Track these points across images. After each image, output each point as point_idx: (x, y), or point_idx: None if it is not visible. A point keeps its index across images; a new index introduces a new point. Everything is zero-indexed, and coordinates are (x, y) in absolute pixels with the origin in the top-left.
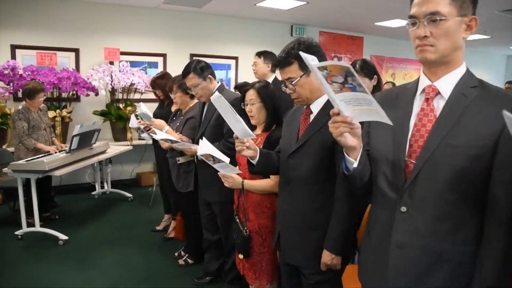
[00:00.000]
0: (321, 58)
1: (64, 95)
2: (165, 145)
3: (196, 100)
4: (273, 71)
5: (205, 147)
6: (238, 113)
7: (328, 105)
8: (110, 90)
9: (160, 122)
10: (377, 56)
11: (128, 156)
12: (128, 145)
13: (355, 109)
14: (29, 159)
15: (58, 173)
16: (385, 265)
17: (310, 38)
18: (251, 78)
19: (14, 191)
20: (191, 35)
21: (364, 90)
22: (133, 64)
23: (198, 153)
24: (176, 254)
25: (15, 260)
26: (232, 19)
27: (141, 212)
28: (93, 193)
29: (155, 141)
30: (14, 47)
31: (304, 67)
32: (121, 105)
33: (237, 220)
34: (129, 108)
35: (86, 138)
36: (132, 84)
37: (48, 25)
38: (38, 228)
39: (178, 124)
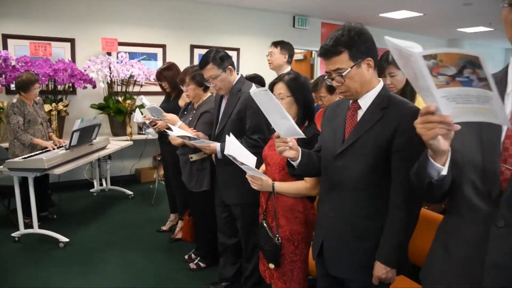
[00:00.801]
0: (374, 47)
1: (59, 87)
2: (176, 141)
3: (209, 93)
4: (289, 62)
5: (233, 146)
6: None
7: (379, 100)
8: (108, 82)
9: (172, 116)
10: (380, 49)
11: (127, 151)
12: (128, 140)
13: (456, 108)
14: (26, 156)
15: (58, 171)
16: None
17: (360, 24)
18: (253, 70)
19: (9, 189)
20: (191, 26)
21: (488, 85)
22: (131, 55)
23: (226, 152)
24: (186, 257)
25: (12, 264)
26: (233, 9)
27: (143, 211)
28: (91, 190)
29: (160, 137)
30: (5, 37)
31: (355, 57)
32: (120, 98)
33: (265, 225)
34: (128, 101)
35: (86, 134)
36: (131, 77)
37: (42, 14)
38: (36, 229)
39: (190, 118)
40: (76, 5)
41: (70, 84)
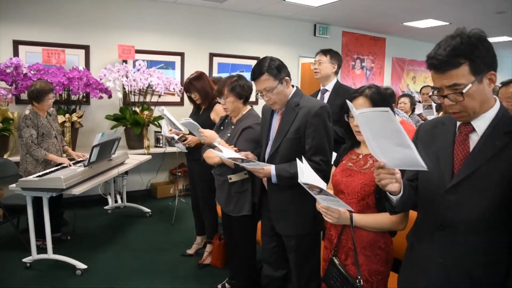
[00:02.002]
0: (495, 57)
1: (73, 97)
2: (213, 160)
3: (248, 107)
4: (336, 73)
5: (307, 172)
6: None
7: (500, 122)
8: (126, 92)
9: (210, 133)
10: (398, 58)
11: (142, 165)
12: (145, 154)
13: None
14: (40, 174)
15: (76, 191)
16: None
17: (477, 28)
18: None
19: (17, 207)
20: (210, 33)
21: None
22: (148, 64)
23: (302, 181)
24: (219, 286)
25: None
26: (254, 16)
27: (164, 231)
28: (105, 207)
29: (189, 153)
30: (17, 43)
31: (477, 70)
32: (137, 109)
33: (336, 262)
34: (146, 112)
35: (106, 149)
36: (149, 86)
37: (55, 19)
38: (51, 255)
39: (229, 135)
40: (91, 10)
41: (84, 94)
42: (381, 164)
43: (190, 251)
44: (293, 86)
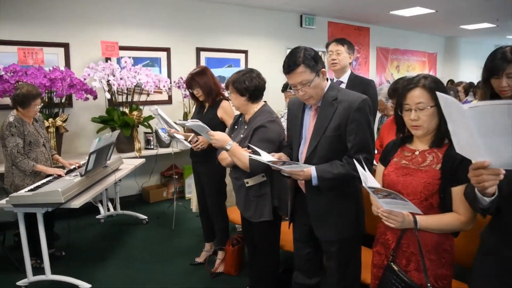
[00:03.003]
0: None
1: (55, 100)
2: (226, 161)
3: (261, 103)
4: (350, 64)
5: (366, 174)
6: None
7: None
8: (114, 92)
9: (221, 136)
10: (382, 48)
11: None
12: (136, 157)
13: None
14: (32, 187)
15: (75, 204)
16: None
17: None
18: (264, 76)
19: (3, 224)
20: (196, 27)
21: None
22: (133, 61)
23: (368, 185)
24: None
25: None
26: (239, 8)
27: (165, 238)
28: (98, 216)
29: (194, 154)
30: None
31: None
32: (126, 110)
33: (396, 269)
34: (135, 113)
35: (101, 155)
36: (138, 85)
37: (30, 15)
38: (49, 275)
39: (242, 135)
40: (69, 5)
41: (66, 96)
42: (485, 164)
43: (200, 259)
44: (327, 78)
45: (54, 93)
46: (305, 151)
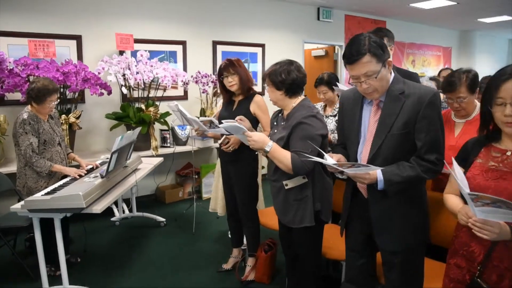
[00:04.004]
0: None
1: (68, 95)
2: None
3: (301, 97)
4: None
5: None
6: None
7: None
8: (132, 87)
9: (260, 137)
10: (398, 42)
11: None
12: (153, 156)
13: None
14: (48, 190)
15: (97, 208)
16: None
17: None
18: None
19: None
20: (212, 20)
21: None
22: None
23: (466, 191)
24: None
25: None
26: (256, 1)
27: (186, 243)
28: (112, 219)
29: (224, 153)
30: None
31: None
32: (142, 106)
33: (484, 286)
34: (151, 108)
35: (122, 154)
36: (154, 79)
37: (41, 6)
38: (67, 285)
39: (282, 133)
40: None
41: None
42: None
43: (227, 266)
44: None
45: (68, 88)
46: (367, 151)
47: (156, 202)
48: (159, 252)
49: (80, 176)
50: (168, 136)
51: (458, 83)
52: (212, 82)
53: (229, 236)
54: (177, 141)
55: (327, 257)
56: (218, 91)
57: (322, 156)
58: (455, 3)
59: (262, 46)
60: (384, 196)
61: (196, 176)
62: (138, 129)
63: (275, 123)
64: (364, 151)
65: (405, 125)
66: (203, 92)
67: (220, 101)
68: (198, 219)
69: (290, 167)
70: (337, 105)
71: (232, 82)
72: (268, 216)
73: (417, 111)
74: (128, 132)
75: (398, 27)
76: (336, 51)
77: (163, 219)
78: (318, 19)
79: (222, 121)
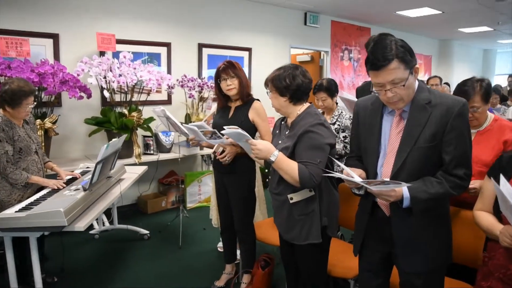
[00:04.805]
0: None
1: (43, 98)
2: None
3: (306, 104)
4: None
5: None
6: None
7: None
8: (114, 90)
9: (265, 145)
10: None
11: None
12: (136, 164)
13: None
14: (23, 205)
15: (79, 226)
16: None
17: None
18: (266, 74)
19: None
20: (198, 21)
21: None
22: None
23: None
24: None
25: None
26: (244, 2)
27: (173, 258)
28: (91, 231)
29: (217, 164)
30: None
31: None
32: (125, 110)
33: None
34: (135, 114)
35: (107, 164)
36: (138, 82)
37: (15, 2)
38: None
39: (287, 143)
40: None
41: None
42: None
43: (220, 283)
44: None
45: (44, 91)
46: (389, 165)
47: (138, 212)
48: (145, 268)
49: (58, 188)
50: (151, 143)
51: (472, 92)
52: (199, 86)
53: (218, 249)
54: (160, 148)
55: (332, 275)
56: (205, 95)
57: (332, 167)
58: (441, 12)
59: (249, 50)
60: (408, 214)
61: (182, 186)
62: (124, 137)
63: (277, 132)
64: (385, 165)
65: (433, 138)
66: (189, 97)
67: (214, 106)
68: (183, 230)
69: (297, 179)
70: (336, 113)
71: (231, 85)
72: (265, 230)
73: (446, 122)
74: (114, 140)
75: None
76: (321, 57)
77: (147, 232)
78: (305, 24)
79: (224, 127)
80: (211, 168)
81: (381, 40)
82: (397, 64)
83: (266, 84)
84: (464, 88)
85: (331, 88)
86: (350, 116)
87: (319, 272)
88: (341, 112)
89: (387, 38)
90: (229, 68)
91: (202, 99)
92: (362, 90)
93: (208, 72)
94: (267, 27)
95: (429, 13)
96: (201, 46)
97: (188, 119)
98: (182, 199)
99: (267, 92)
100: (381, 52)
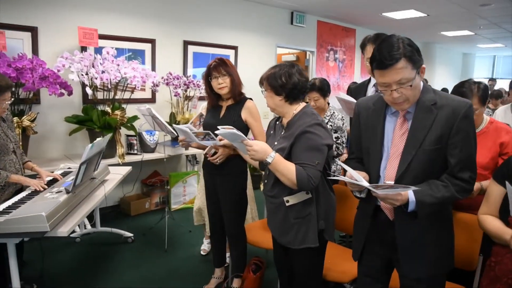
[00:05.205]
0: None
1: (21, 94)
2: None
3: (302, 104)
4: None
5: None
6: None
7: None
8: (98, 87)
9: (262, 146)
10: None
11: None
12: (119, 164)
13: None
14: (0, 209)
15: (62, 231)
16: None
17: None
18: (252, 73)
19: None
20: (184, 18)
21: None
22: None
23: None
24: None
25: None
26: (230, 0)
27: (160, 262)
28: (72, 235)
29: (208, 165)
30: None
31: None
32: (108, 108)
33: None
34: (118, 112)
35: (90, 165)
36: (122, 80)
37: None
38: None
39: (282, 144)
40: None
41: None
42: None
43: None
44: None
45: (21, 87)
46: (393, 168)
47: (121, 214)
48: (130, 273)
49: (39, 190)
50: (135, 142)
51: (470, 94)
52: (184, 84)
53: (201, 252)
54: (144, 148)
55: (327, 279)
56: (191, 94)
57: (329, 169)
58: (425, 15)
59: (235, 48)
60: (412, 218)
61: (168, 187)
62: (108, 136)
63: (271, 132)
64: (389, 168)
65: (439, 140)
66: (175, 95)
67: (200, 106)
68: (169, 233)
69: (295, 181)
70: (328, 113)
71: (222, 84)
72: (255, 232)
73: (451, 124)
74: (98, 139)
75: (366, 35)
76: (307, 57)
77: (131, 234)
78: (292, 23)
79: (218, 127)
80: (196, 169)
81: (387, 39)
82: (405, 64)
83: (261, 83)
84: (461, 90)
85: (324, 88)
86: (342, 117)
87: (314, 277)
88: (333, 112)
89: (393, 37)
90: (221, 65)
91: (187, 98)
92: (357, 91)
93: (194, 71)
94: (254, 26)
95: (414, 16)
96: (186, 43)
97: (173, 118)
98: (166, 200)
99: (262, 91)
100: (388, 51)
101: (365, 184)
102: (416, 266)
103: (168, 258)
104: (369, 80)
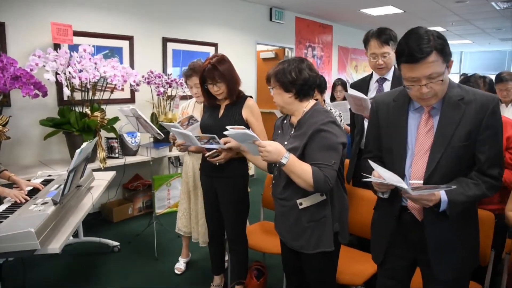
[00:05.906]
0: None
1: None
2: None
3: (312, 101)
4: None
5: None
6: None
7: None
8: (76, 87)
9: (276, 147)
10: (343, 47)
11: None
12: (101, 169)
13: None
14: None
15: (53, 247)
16: None
17: None
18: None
19: None
20: (163, 14)
21: None
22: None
23: None
24: None
25: None
26: None
27: (151, 271)
28: None
29: (206, 167)
30: None
31: None
32: (87, 110)
33: None
34: (98, 114)
35: (77, 173)
36: (100, 79)
37: None
38: None
39: (294, 143)
40: None
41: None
42: None
43: None
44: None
45: None
46: (420, 166)
47: (103, 221)
48: (118, 284)
49: (26, 200)
50: (116, 145)
51: (477, 88)
52: (167, 83)
53: (176, 271)
54: (125, 150)
55: (340, 282)
56: (173, 93)
57: (343, 168)
58: (402, 11)
59: (215, 45)
60: (443, 218)
61: (154, 191)
62: (95, 140)
63: (279, 132)
64: (414, 166)
65: (468, 136)
66: (157, 95)
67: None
68: (157, 239)
69: (311, 183)
70: None
71: (218, 91)
72: (256, 236)
73: (480, 120)
74: (86, 143)
75: (343, 32)
76: (286, 54)
77: (117, 243)
78: (271, 19)
79: (227, 127)
80: (179, 171)
81: (415, 31)
82: (436, 57)
83: (268, 80)
84: (468, 85)
85: (321, 85)
86: (340, 114)
87: (328, 281)
88: (330, 109)
89: (419, 29)
90: (213, 72)
91: (169, 98)
92: (358, 88)
93: (174, 70)
94: (233, 22)
95: (391, 12)
96: (165, 40)
97: (155, 118)
98: (149, 204)
99: (270, 89)
100: (418, 44)
101: (404, 186)
102: (448, 267)
103: (161, 266)
104: (371, 75)
